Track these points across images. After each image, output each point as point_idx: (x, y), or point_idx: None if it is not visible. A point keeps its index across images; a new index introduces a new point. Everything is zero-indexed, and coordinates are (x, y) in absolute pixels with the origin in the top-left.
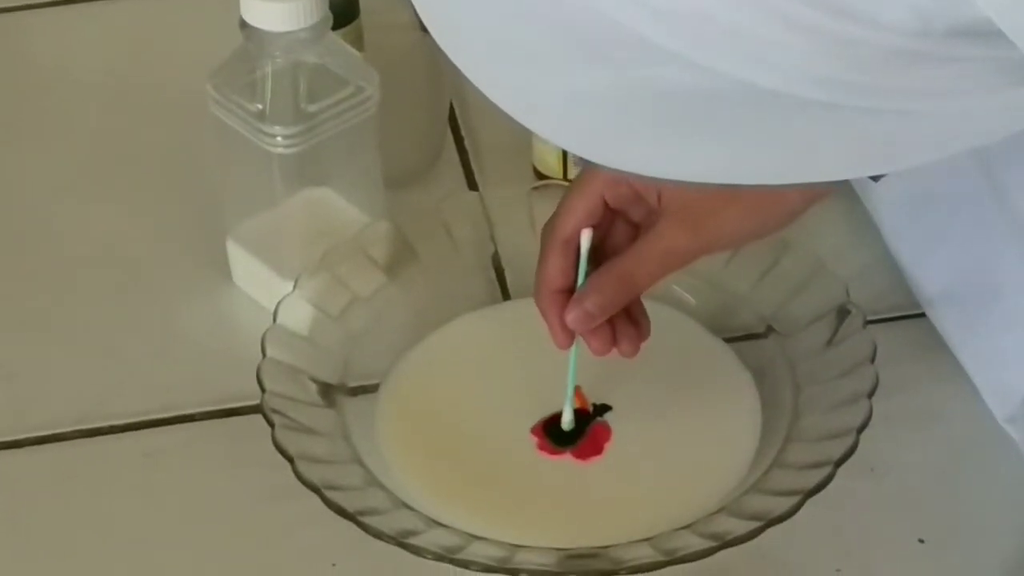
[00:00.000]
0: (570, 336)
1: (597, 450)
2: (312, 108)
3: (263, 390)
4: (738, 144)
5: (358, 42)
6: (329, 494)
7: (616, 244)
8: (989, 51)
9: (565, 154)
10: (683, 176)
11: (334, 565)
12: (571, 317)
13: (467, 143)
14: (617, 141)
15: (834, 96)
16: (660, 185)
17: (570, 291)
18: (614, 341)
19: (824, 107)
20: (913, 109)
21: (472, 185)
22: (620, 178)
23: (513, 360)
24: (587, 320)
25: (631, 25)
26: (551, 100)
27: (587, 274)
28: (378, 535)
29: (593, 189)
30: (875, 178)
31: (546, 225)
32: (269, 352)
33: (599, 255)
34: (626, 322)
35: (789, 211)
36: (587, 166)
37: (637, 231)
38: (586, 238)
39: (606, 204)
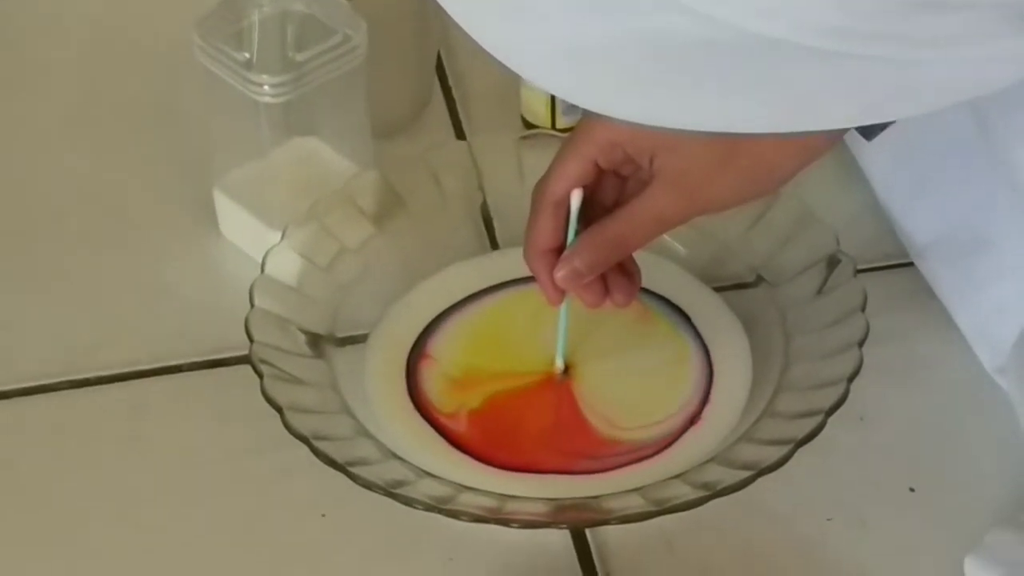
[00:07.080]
0: (561, 293)
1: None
2: (299, 57)
3: (251, 340)
4: (739, 93)
5: None
6: (318, 444)
7: (604, 197)
8: None
9: (553, 102)
10: (683, 125)
11: (324, 516)
12: (561, 275)
13: (455, 92)
14: (617, 91)
15: (837, 45)
16: (654, 149)
17: (560, 250)
18: (606, 293)
19: (827, 56)
20: (916, 58)
21: (460, 134)
22: (615, 142)
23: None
24: (577, 278)
25: None
26: (550, 51)
27: (576, 232)
28: (368, 485)
29: (586, 153)
30: (867, 135)
31: (537, 186)
32: (257, 302)
33: (587, 208)
34: (618, 273)
35: (782, 175)
36: (583, 121)
37: (625, 183)
38: (576, 198)
39: (598, 166)
